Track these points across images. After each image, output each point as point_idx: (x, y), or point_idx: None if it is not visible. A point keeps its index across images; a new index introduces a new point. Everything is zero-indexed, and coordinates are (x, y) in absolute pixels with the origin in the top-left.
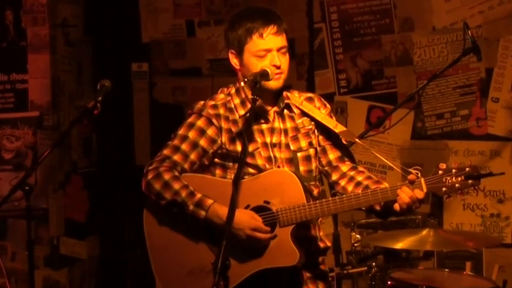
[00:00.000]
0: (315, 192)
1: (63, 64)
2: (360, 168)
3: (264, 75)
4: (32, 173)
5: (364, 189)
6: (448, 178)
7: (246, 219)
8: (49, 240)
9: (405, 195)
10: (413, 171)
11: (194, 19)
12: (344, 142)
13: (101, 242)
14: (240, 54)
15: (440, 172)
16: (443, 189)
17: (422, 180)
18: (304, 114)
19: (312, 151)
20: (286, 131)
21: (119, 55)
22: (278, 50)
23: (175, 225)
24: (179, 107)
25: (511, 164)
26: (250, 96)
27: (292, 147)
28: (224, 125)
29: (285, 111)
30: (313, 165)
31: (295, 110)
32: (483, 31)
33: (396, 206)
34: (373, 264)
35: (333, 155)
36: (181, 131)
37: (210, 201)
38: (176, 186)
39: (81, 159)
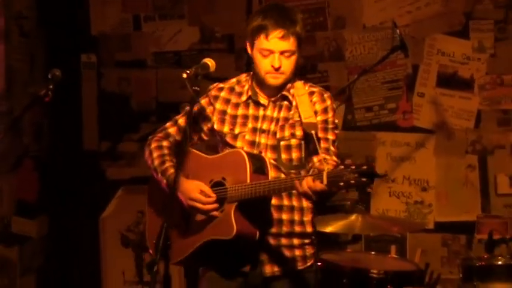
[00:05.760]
0: None
1: (17, 54)
2: (327, 157)
3: (204, 67)
4: None
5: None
6: (346, 174)
7: (190, 189)
8: (1, 219)
9: (302, 184)
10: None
11: (140, 14)
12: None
13: (50, 221)
14: (251, 46)
15: (341, 167)
16: (341, 183)
17: (324, 173)
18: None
19: (293, 141)
20: (277, 120)
21: (69, 46)
22: (281, 53)
23: (160, 191)
24: (125, 97)
25: (434, 154)
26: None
27: (277, 136)
28: (219, 106)
29: (284, 101)
30: (294, 155)
31: (293, 101)
32: (410, 30)
33: None
34: None
35: (312, 146)
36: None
37: (171, 171)
38: (155, 154)
39: (33, 143)
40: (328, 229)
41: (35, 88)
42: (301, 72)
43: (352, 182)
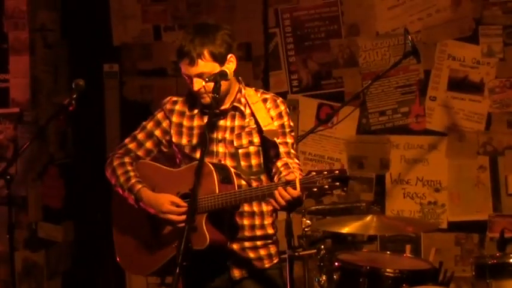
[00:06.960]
0: (254, 185)
1: (42, 65)
2: (289, 160)
3: (222, 75)
4: (12, 164)
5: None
6: (319, 179)
7: (161, 202)
8: (28, 225)
9: (277, 194)
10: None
11: (160, 24)
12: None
13: (76, 226)
14: None
15: (313, 173)
16: (314, 189)
17: (297, 180)
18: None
19: (252, 149)
20: (233, 129)
21: (92, 57)
22: (198, 76)
23: (127, 206)
24: (146, 104)
25: (446, 156)
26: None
27: (235, 144)
28: (175, 119)
29: (236, 112)
30: (253, 162)
31: (247, 110)
32: (422, 36)
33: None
34: (322, 247)
35: (272, 151)
36: (144, 122)
37: (138, 187)
38: (119, 171)
39: (58, 151)
40: (345, 230)
41: (60, 98)
42: (317, 78)
43: (326, 187)
